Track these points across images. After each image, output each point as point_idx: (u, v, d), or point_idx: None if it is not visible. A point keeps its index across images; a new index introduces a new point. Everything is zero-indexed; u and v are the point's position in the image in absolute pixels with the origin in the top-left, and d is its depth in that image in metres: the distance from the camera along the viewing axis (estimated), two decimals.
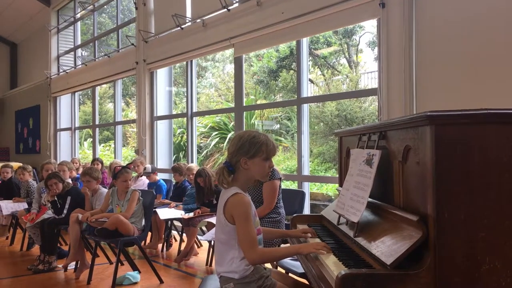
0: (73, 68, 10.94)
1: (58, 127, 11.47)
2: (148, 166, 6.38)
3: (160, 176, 7.52)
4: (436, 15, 3.93)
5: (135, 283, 4.37)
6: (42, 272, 4.79)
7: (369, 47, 11.93)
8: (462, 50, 3.75)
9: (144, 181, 6.32)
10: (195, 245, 5.44)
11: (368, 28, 11.50)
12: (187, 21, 6.94)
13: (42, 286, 4.39)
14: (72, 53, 11.30)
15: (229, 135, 11.64)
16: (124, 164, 6.05)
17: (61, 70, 11.28)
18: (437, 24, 3.92)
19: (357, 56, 12.54)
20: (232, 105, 6.94)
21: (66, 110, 11.42)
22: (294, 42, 5.90)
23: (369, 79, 11.62)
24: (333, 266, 1.93)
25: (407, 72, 4.10)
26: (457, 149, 1.60)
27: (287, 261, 3.06)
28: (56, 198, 5.01)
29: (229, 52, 11.02)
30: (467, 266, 1.58)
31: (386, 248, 1.74)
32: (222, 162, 2.25)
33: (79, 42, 11.30)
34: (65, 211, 4.93)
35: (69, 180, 5.74)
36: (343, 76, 12.28)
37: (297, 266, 2.89)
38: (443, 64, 3.88)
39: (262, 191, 3.86)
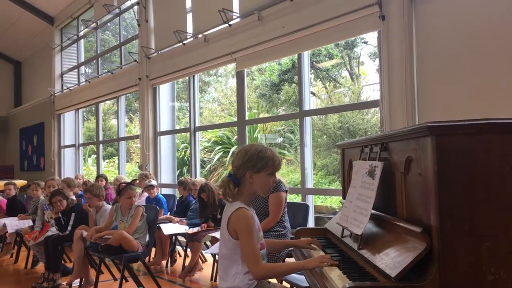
0: (76, 85, 11.03)
1: (62, 144, 11.51)
2: (153, 181, 6.37)
3: (164, 191, 7.53)
4: (436, 26, 3.95)
5: None
6: None
7: (370, 58, 11.99)
8: (463, 60, 3.76)
9: (144, 196, 6.32)
10: (199, 260, 5.42)
11: (369, 40, 11.57)
12: (188, 36, 7.00)
13: None
14: (76, 70, 11.40)
15: (232, 149, 11.64)
16: (128, 180, 6.05)
17: (64, 88, 11.37)
18: (437, 35, 3.94)
19: (358, 68, 12.59)
20: (235, 119, 6.96)
21: (70, 127, 11.48)
22: (295, 55, 5.93)
23: (371, 91, 11.65)
24: (338, 279, 1.92)
25: (409, 83, 4.11)
26: (459, 159, 1.60)
27: (292, 275, 3.03)
28: (60, 215, 5.01)
29: (231, 66, 11.09)
30: (472, 277, 1.56)
31: (390, 260, 1.73)
32: (226, 176, 2.25)
33: (82, 59, 11.40)
34: (69, 228, 4.92)
35: (73, 197, 5.73)
36: (345, 88, 12.31)
37: (301, 280, 2.87)
38: (444, 75, 3.89)
39: (268, 203, 3.85)
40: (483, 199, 1.59)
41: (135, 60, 8.28)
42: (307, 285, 2.51)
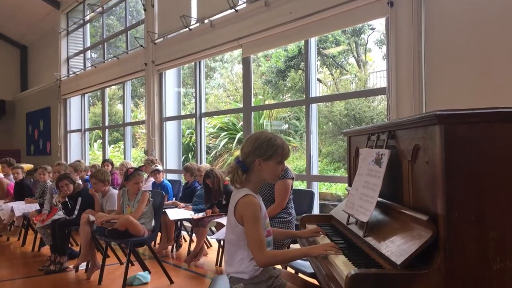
0: (82, 70, 11.03)
1: (68, 129, 11.56)
2: (159, 166, 6.40)
3: (169, 177, 7.57)
4: (445, 12, 3.91)
5: (146, 283, 4.40)
6: (54, 273, 4.83)
7: (377, 45, 11.90)
8: (472, 47, 3.72)
9: (150, 181, 6.36)
10: (204, 245, 5.46)
11: (377, 27, 11.47)
12: (194, 22, 6.96)
13: (55, 286, 4.43)
14: (82, 55, 11.39)
15: (237, 136, 11.65)
16: (134, 165, 6.08)
17: (70, 72, 11.37)
18: (446, 22, 3.90)
19: (365, 55, 12.50)
20: (241, 105, 6.95)
21: (76, 111, 11.51)
22: (302, 42, 5.89)
23: (377, 78, 11.58)
24: (343, 266, 1.93)
25: (416, 71, 4.08)
26: (467, 148, 1.60)
27: (297, 261, 3.05)
28: (67, 199, 5.06)
29: (237, 52, 11.04)
30: (478, 265, 1.57)
31: (396, 248, 1.74)
32: (233, 162, 2.25)
33: (88, 44, 11.38)
34: (75, 212, 4.97)
35: (79, 181, 5.77)
36: (351, 75, 12.25)
37: (306, 266, 2.89)
38: (452, 62, 3.85)
39: (275, 190, 3.86)
40: (490, 188, 1.59)
41: (141, 45, 8.26)
42: (312, 271, 2.53)
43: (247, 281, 2.15)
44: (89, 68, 10.73)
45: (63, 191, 5.03)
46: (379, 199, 2.07)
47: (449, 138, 1.59)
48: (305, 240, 2.61)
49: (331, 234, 2.50)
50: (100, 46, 10.82)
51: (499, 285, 1.56)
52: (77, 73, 11.06)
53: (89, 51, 11.44)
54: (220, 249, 4.96)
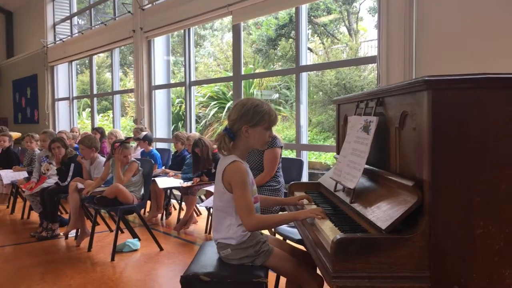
0: (69, 37, 10.80)
1: (56, 97, 11.40)
2: (143, 133, 6.33)
3: (159, 146, 7.54)
4: None
5: (135, 250, 4.44)
6: (46, 239, 4.86)
7: (370, 13, 11.77)
8: (464, 16, 3.68)
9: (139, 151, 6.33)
10: (194, 213, 5.50)
11: None
12: None
13: (44, 253, 4.45)
14: (68, 21, 11.12)
15: (227, 105, 11.59)
16: (123, 134, 6.04)
17: (57, 39, 11.13)
18: None
19: (357, 24, 12.37)
20: (231, 74, 6.88)
21: (64, 79, 11.32)
22: (293, 10, 5.80)
23: (369, 47, 11.50)
24: (329, 231, 1.95)
25: (407, 40, 4.04)
26: (454, 114, 1.59)
27: (285, 228, 3.09)
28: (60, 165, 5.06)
29: (227, 20, 10.87)
30: (462, 230, 1.59)
31: (382, 213, 1.75)
32: (222, 130, 2.24)
33: (75, 10, 11.10)
34: (68, 179, 4.97)
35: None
36: (342, 44, 12.15)
37: (294, 232, 2.92)
38: (444, 31, 3.82)
39: (263, 158, 3.87)
40: (476, 154, 1.59)
41: (129, 11, 8.08)
42: (300, 237, 2.56)
43: (234, 247, 2.17)
44: (76, 35, 10.51)
45: (55, 154, 5.02)
46: (367, 166, 2.08)
47: (437, 104, 1.58)
48: (293, 207, 2.63)
49: (319, 201, 2.52)
50: (87, 12, 10.57)
51: (482, 249, 1.59)
52: (64, 40, 10.82)
53: (76, 17, 11.17)
54: (209, 217, 5.00)
